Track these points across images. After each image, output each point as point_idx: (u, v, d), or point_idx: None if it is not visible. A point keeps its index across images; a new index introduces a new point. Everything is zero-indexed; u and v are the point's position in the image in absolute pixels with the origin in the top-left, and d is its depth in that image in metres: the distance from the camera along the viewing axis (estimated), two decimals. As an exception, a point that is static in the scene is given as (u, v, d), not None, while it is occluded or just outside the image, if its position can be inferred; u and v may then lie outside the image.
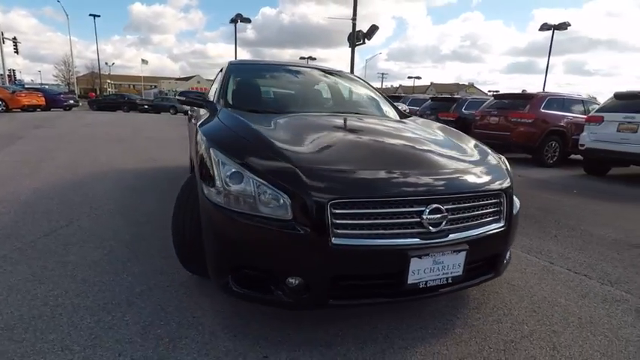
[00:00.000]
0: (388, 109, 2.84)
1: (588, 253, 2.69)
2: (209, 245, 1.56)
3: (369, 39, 11.70)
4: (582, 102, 8.44)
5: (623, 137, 5.90)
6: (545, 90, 15.56)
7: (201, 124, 2.11)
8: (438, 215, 1.44)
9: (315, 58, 41.70)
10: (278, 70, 3.12)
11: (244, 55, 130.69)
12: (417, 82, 73.52)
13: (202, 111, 2.63)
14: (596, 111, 6.67)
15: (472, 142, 2.13)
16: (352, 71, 12.64)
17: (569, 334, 1.68)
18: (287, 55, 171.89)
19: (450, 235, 1.47)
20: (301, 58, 42.61)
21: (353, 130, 2.15)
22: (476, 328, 1.68)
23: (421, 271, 1.41)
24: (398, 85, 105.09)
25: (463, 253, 1.47)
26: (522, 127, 7.62)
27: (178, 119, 18.46)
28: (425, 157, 1.72)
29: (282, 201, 1.38)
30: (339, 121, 2.30)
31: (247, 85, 2.82)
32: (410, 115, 2.89)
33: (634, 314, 1.89)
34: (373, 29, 11.40)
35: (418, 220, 1.42)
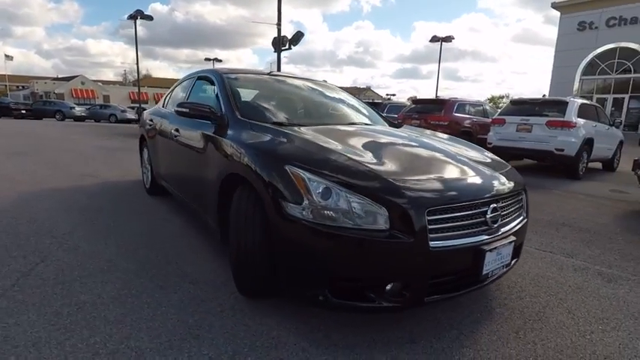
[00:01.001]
0: (382, 118, 3.06)
1: (539, 234, 3.30)
2: (298, 262, 1.55)
3: (294, 44, 11.90)
4: (481, 106, 10.02)
5: (521, 136, 7.19)
6: (437, 94, 17.86)
7: (235, 139, 2.04)
8: (496, 213, 1.70)
9: (221, 60, 40.35)
10: (275, 81, 3.08)
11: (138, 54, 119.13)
12: (322, 86, 76.52)
13: (191, 124, 2.61)
14: (499, 114, 7.98)
15: (475, 147, 2.47)
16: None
17: (572, 300, 2.10)
18: (183, 55, 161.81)
19: (501, 230, 1.74)
20: (206, 59, 40.79)
21: (393, 142, 2.26)
22: (510, 306, 1.99)
23: (490, 262, 1.64)
24: None
25: (512, 244, 1.75)
26: (440, 129, 8.68)
27: (77, 127, 16.20)
28: (472, 164, 1.95)
29: (379, 212, 1.46)
30: (373, 133, 2.40)
31: (257, 96, 2.75)
32: (402, 123, 3.16)
33: (599, 277, 2.43)
34: (299, 36, 11.64)
35: (483, 219, 1.65)
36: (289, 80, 3.18)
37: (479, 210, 1.65)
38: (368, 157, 1.75)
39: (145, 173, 4.20)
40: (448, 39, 25.51)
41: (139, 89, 22.01)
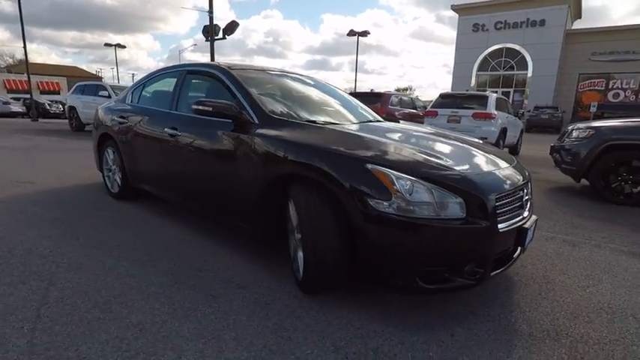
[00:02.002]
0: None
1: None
2: (390, 254, 1.65)
3: (229, 34, 11.28)
4: (410, 98, 10.92)
5: (451, 127, 8.06)
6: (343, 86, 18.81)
7: (281, 139, 2.03)
8: (527, 197, 2.01)
9: (124, 46, 36.44)
10: (276, 77, 3.00)
11: (4, 34, 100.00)
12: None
13: (199, 121, 2.53)
14: (431, 107, 8.81)
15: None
16: None
17: (560, 264, 2.56)
18: (68, 38, 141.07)
19: (527, 212, 2.07)
20: (107, 45, 36.38)
21: (430, 137, 2.40)
22: (522, 275, 2.36)
23: (528, 239, 1.95)
24: None
25: (536, 222, 2.09)
26: (379, 121, 9.29)
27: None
28: (501, 155, 2.24)
29: (457, 202, 1.64)
30: (406, 130, 2.54)
31: (273, 94, 2.67)
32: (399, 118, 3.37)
33: (566, 244, 2.97)
34: (233, 25, 11.06)
35: (521, 202, 1.95)
36: (289, 75, 3.14)
37: (519, 194, 1.93)
38: (428, 153, 1.91)
39: (108, 176, 3.75)
40: (364, 34, 26.78)
41: (28, 77, 18.70)
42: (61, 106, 22.19)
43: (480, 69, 26.50)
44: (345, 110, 2.96)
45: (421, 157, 1.82)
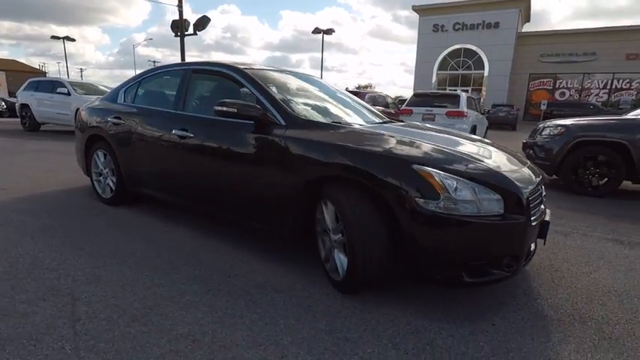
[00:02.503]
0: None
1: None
2: (438, 251, 1.72)
3: (200, 30, 10.82)
4: (384, 97, 11.17)
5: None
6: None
7: (317, 141, 2.03)
8: (544, 192, 2.16)
9: (74, 39, 34.01)
10: (290, 76, 2.96)
11: None
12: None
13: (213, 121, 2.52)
14: (406, 105, 9.07)
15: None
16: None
17: (560, 252, 2.78)
18: (3, 29, 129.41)
19: (543, 206, 2.22)
20: (53, 37, 33.74)
21: (452, 137, 2.48)
22: (531, 264, 2.53)
23: (548, 231, 2.10)
24: None
25: (550, 216, 2.26)
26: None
27: None
28: (517, 155, 2.38)
29: (497, 199, 1.74)
30: (428, 131, 2.60)
31: (294, 95, 2.63)
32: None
33: (559, 234, 3.22)
34: (205, 20, 10.60)
35: (541, 198, 2.09)
36: (297, 74, 3.11)
37: (540, 190, 2.08)
38: (463, 152, 1.99)
39: (98, 181, 3.53)
40: (329, 31, 26.94)
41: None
42: (3, 103, 20.28)
43: (440, 68, 27.59)
44: (357, 110, 2.99)
45: (460, 156, 1.90)
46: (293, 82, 2.92)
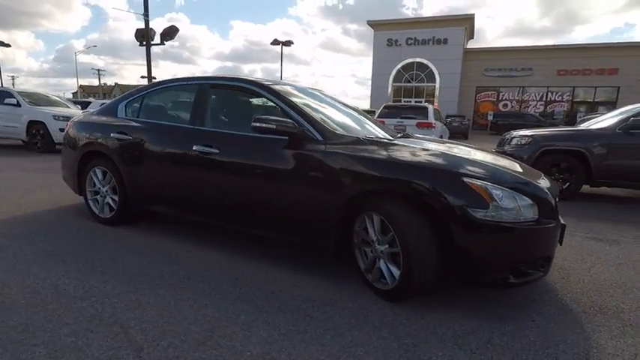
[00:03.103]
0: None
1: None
2: (488, 255, 1.88)
3: (168, 39, 10.38)
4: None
5: (398, 134, 8.78)
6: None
7: (360, 156, 2.13)
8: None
9: (9, 45, 31.12)
10: (307, 92, 2.99)
11: None
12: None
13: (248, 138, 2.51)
14: (378, 116, 9.42)
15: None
16: (150, 72, 10.85)
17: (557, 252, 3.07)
18: None
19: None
20: (-17, 41, 30.55)
21: (472, 150, 2.64)
22: (539, 263, 2.78)
23: (564, 234, 2.34)
24: (114, 84, 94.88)
25: (558, 219, 2.51)
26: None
27: None
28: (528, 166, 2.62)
29: (533, 206, 1.93)
30: (450, 144, 2.78)
31: (316, 110, 2.66)
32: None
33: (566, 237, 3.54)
34: (173, 30, 10.19)
35: (556, 204, 2.34)
36: (312, 90, 3.16)
37: (556, 198, 2.32)
38: (498, 165, 2.17)
39: (94, 200, 3.32)
40: (288, 43, 27.19)
41: None
42: None
43: (395, 80, 28.87)
44: (373, 124, 3.12)
45: (499, 168, 2.08)
46: (310, 96, 2.97)
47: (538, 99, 25.88)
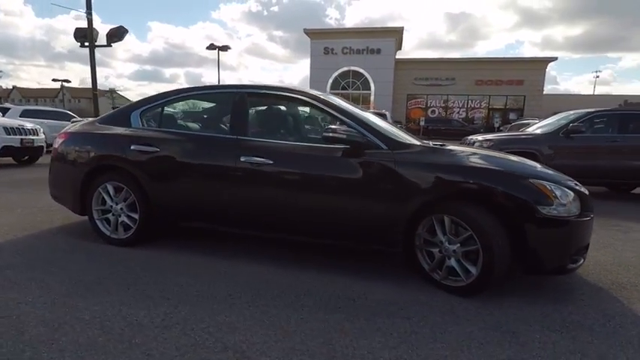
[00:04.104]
0: None
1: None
2: (554, 245, 2.14)
3: (115, 41, 9.29)
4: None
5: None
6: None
7: (434, 164, 2.28)
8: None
9: None
10: (341, 100, 3.02)
11: None
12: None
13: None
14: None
15: None
16: (95, 78, 9.55)
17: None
18: None
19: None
20: None
21: (502, 154, 2.89)
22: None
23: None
24: (11, 87, 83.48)
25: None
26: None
27: None
28: None
29: (578, 201, 2.25)
30: (477, 150, 2.98)
31: (374, 120, 2.72)
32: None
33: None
34: (122, 31, 9.14)
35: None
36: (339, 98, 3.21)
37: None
38: (539, 166, 2.46)
39: (103, 219, 2.98)
40: (225, 48, 26.50)
41: None
42: None
43: (332, 87, 29.73)
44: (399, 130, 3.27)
45: (547, 170, 2.37)
46: (350, 105, 3.02)
47: (460, 106, 28.69)
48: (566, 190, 2.20)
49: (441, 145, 3.12)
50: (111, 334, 1.76)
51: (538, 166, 2.57)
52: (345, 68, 29.15)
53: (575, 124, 5.97)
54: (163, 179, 2.76)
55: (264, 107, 2.86)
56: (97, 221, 2.99)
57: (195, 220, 2.79)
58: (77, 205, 3.05)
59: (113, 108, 10.32)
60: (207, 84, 3.09)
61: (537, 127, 7.00)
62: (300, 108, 2.80)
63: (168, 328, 1.83)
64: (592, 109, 6.33)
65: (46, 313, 1.94)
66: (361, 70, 28.83)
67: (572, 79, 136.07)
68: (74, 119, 9.63)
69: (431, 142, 2.81)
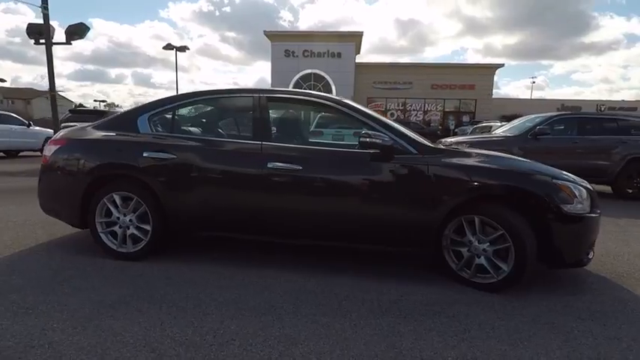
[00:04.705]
0: None
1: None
2: (576, 239, 2.33)
3: (76, 38, 8.42)
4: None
5: (337, 143, 9.24)
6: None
7: (463, 166, 2.38)
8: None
9: None
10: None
11: None
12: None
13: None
14: (314, 127, 9.71)
15: None
16: (52, 76, 8.55)
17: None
18: None
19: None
20: None
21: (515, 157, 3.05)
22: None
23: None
24: None
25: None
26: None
27: None
28: None
29: (590, 200, 2.46)
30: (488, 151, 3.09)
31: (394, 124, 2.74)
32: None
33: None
34: (83, 29, 8.31)
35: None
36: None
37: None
38: (549, 167, 2.65)
39: (109, 232, 2.76)
40: (182, 48, 25.52)
41: None
42: None
43: (294, 90, 29.70)
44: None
45: (560, 171, 2.55)
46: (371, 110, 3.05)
47: (418, 109, 29.89)
48: (581, 188, 2.40)
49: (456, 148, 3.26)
50: (168, 357, 1.64)
51: (550, 167, 2.77)
52: (307, 71, 29.23)
53: (541, 126, 6.48)
54: (181, 188, 2.61)
55: (285, 112, 2.82)
56: (102, 234, 2.76)
57: (216, 230, 2.67)
58: (77, 218, 2.80)
59: (71, 111, 9.52)
60: (224, 87, 2.98)
61: (504, 130, 7.51)
62: (321, 113, 2.79)
63: (225, 345, 1.74)
64: (554, 113, 6.92)
65: (82, 338, 1.76)
66: (322, 74, 29.06)
67: (510, 84, 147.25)
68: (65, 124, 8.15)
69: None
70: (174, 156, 2.60)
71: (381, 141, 2.33)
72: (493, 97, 29.69)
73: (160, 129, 2.79)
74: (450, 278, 2.52)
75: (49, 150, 2.87)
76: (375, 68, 30.07)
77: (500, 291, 2.37)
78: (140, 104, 3.00)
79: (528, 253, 2.24)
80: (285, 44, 29.15)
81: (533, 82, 60.45)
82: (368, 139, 2.31)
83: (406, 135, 2.54)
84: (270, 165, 2.49)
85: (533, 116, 7.27)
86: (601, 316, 2.13)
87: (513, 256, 2.27)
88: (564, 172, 2.60)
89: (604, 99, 32.94)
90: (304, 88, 29.53)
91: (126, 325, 1.89)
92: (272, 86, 29.84)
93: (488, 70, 29.01)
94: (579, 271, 2.79)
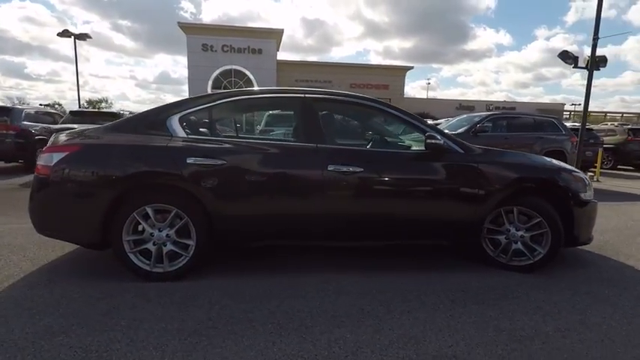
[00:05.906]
0: None
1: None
2: (584, 225, 2.77)
3: None
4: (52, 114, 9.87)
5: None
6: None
7: (504, 162, 2.70)
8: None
9: None
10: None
11: None
12: None
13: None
14: (264, 126, 9.48)
15: None
16: None
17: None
18: None
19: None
20: None
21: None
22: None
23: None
24: None
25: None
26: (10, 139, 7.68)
27: None
28: None
29: (591, 187, 2.96)
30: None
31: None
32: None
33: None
34: None
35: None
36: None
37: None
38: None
39: (138, 252, 2.39)
40: (83, 36, 22.35)
41: None
42: None
43: (214, 86, 28.32)
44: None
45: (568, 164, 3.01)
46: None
47: (338, 107, 31.16)
48: (587, 179, 2.88)
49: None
50: (314, 375, 1.55)
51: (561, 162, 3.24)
52: (227, 67, 28.13)
53: (482, 124, 7.39)
54: (234, 196, 2.39)
55: (335, 114, 2.77)
56: (130, 254, 2.38)
57: (273, 238, 2.52)
58: (95, 238, 2.36)
59: (72, 112, 7.78)
60: (266, 88, 2.78)
61: (445, 128, 8.35)
62: (366, 114, 2.82)
63: (354, 356, 1.70)
64: (490, 113, 7.94)
65: (202, 373, 1.55)
66: (244, 70, 28.28)
67: (408, 84, 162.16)
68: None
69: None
70: (225, 161, 2.37)
71: (443, 142, 2.48)
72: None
73: (196, 131, 2.51)
74: (482, 264, 2.79)
75: (50, 159, 2.36)
76: (296, 66, 30.39)
77: (533, 271, 2.72)
78: (141, 105, 2.65)
79: (561, 236, 2.63)
80: (203, 37, 27.62)
81: (429, 84, 67.30)
82: (433, 141, 2.44)
83: (449, 135, 2.74)
84: (331, 167, 2.45)
85: (465, 116, 8.24)
86: (619, 283, 2.60)
87: (549, 239, 2.63)
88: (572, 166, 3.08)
89: (483, 99, 38.54)
90: (224, 85, 28.44)
91: (237, 349, 1.71)
92: (189, 82, 28.10)
93: (400, 72, 31.51)
94: (574, 249, 3.33)
